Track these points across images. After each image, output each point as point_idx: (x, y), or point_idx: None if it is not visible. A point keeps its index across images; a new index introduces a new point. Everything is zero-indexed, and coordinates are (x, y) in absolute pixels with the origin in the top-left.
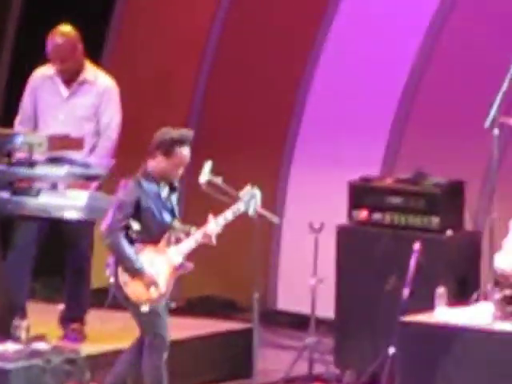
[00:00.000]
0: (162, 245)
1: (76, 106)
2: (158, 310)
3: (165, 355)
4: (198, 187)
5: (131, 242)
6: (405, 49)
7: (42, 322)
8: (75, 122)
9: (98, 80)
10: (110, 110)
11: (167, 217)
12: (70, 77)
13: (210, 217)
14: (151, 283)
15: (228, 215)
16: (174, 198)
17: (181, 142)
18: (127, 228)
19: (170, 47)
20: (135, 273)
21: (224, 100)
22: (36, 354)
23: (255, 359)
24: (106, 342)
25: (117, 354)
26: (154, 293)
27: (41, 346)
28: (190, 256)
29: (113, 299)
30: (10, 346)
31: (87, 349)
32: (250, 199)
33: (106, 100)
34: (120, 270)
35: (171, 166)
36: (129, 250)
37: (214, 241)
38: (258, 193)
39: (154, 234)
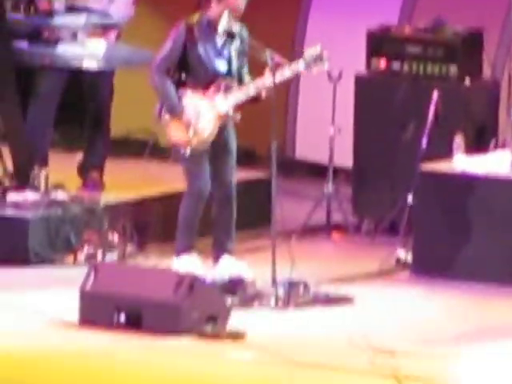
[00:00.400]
0: (211, 92)
1: None
2: (198, 157)
3: (199, 205)
4: None
5: (180, 84)
6: None
7: (61, 171)
8: None
9: None
10: None
11: (220, 65)
12: None
13: (267, 71)
14: (189, 126)
15: (286, 72)
16: (234, 47)
17: None
18: (178, 71)
19: None
20: (174, 113)
21: None
22: (55, 203)
23: (274, 208)
24: (124, 192)
25: (135, 203)
26: (192, 136)
27: (59, 195)
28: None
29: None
30: (29, 195)
31: (106, 198)
32: (313, 60)
33: None
34: (163, 110)
35: (226, 10)
36: (170, 90)
37: (263, 95)
38: (325, 55)
39: (202, 81)
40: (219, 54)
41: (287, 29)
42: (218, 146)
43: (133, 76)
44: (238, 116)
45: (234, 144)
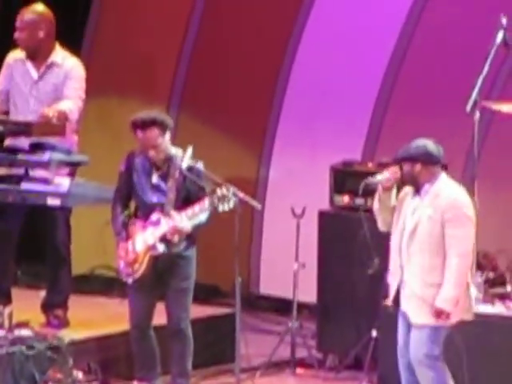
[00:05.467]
0: (147, 223)
1: (45, 87)
2: (136, 288)
3: (135, 339)
4: None
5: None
6: (384, 37)
7: (24, 308)
8: (44, 104)
9: (65, 62)
10: (74, 91)
11: (154, 197)
12: (38, 58)
13: (173, 213)
14: (118, 255)
15: (196, 210)
16: (170, 182)
17: (137, 125)
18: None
19: (150, 33)
20: (117, 241)
21: (205, 85)
22: (19, 340)
23: (238, 344)
24: (88, 329)
25: (100, 340)
26: (122, 265)
27: (24, 332)
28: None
29: None
30: None
31: (70, 335)
32: (220, 198)
33: (69, 78)
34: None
35: (140, 147)
36: (115, 219)
37: (178, 235)
38: (231, 193)
39: (140, 210)
40: (154, 186)
41: (251, 167)
42: (158, 280)
43: (94, 211)
44: (161, 249)
45: (178, 280)
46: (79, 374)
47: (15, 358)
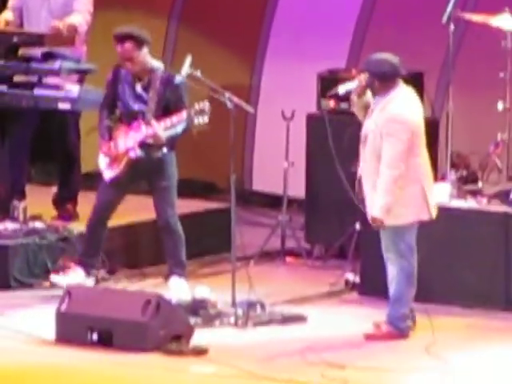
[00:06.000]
0: (128, 128)
1: (56, 2)
2: (109, 186)
3: (92, 221)
4: None
5: (119, 119)
6: None
7: (38, 203)
8: (55, 17)
9: None
10: (82, 5)
11: (136, 105)
12: None
13: (153, 121)
14: (101, 154)
15: (174, 120)
16: (151, 92)
17: (115, 38)
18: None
19: None
20: (100, 142)
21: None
22: (33, 232)
23: (233, 235)
24: None
25: (107, 231)
26: (102, 164)
27: (37, 224)
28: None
29: None
30: (9, 225)
31: (79, 227)
32: (197, 112)
33: None
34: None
35: (118, 59)
36: (101, 123)
37: (155, 142)
38: (206, 107)
39: (124, 117)
40: (137, 95)
41: (244, 75)
42: (133, 182)
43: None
44: (137, 153)
45: (160, 180)
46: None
47: (29, 248)
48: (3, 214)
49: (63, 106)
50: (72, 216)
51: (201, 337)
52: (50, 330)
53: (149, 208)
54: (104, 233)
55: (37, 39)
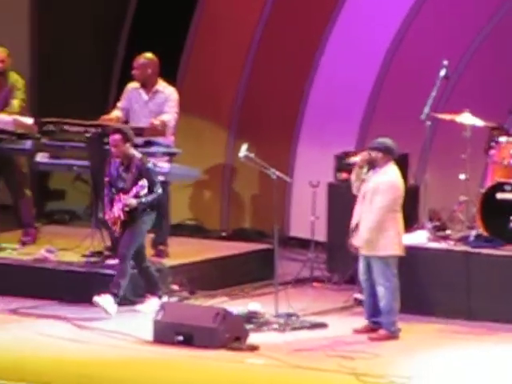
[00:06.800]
0: (117, 199)
1: (152, 106)
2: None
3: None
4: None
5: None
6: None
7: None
8: (152, 116)
9: (165, 89)
10: (171, 109)
11: (121, 184)
12: (147, 87)
13: (122, 195)
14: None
15: (134, 191)
16: (129, 174)
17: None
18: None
19: (220, 53)
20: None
21: (256, 99)
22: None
23: (276, 267)
24: (181, 258)
25: (187, 265)
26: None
27: None
28: (233, 198)
29: None
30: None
31: (169, 262)
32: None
33: (168, 100)
34: None
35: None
36: (106, 198)
37: (129, 206)
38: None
39: (115, 191)
40: (121, 177)
41: (285, 156)
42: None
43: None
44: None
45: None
46: (175, 287)
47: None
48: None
49: (159, 177)
50: (164, 254)
51: (254, 338)
52: (149, 334)
53: (210, 250)
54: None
55: (139, 131)
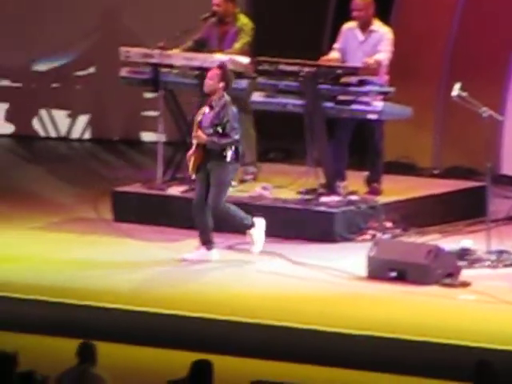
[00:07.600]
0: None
1: (367, 45)
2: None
3: (194, 215)
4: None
5: None
6: None
7: (355, 183)
8: (366, 55)
9: (380, 29)
10: (386, 47)
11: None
12: (364, 27)
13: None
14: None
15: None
16: (210, 113)
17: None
18: None
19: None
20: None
21: (470, 37)
22: (350, 203)
23: (487, 204)
24: (395, 196)
25: (401, 202)
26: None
27: (354, 197)
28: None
29: None
30: (335, 198)
31: (382, 200)
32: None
33: (383, 40)
34: None
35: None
36: None
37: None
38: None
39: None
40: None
41: (495, 93)
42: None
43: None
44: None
45: (213, 178)
46: (388, 224)
47: (348, 214)
48: (331, 191)
49: (371, 116)
50: (377, 192)
51: (466, 274)
52: (362, 269)
53: (422, 187)
54: (205, 216)
55: (353, 71)
